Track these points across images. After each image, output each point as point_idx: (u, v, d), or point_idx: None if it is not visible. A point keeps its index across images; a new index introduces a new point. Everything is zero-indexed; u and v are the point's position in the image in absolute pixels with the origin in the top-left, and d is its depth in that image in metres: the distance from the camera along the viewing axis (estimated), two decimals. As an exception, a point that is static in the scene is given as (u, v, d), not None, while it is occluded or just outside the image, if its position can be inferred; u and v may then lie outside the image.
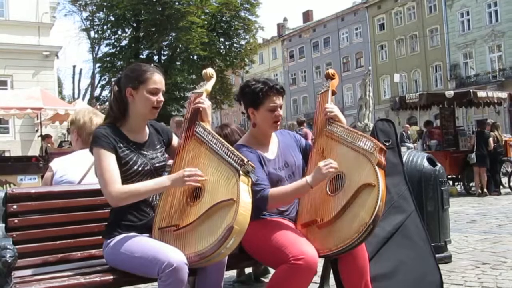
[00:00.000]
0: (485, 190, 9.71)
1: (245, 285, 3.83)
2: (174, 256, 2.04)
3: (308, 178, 2.41)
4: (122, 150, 2.28)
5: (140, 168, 2.30)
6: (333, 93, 2.80)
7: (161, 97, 2.35)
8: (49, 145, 13.14)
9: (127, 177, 2.26)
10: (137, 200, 2.24)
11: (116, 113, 2.35)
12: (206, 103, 2.47)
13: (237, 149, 2.51)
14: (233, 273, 3.95)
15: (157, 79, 2.34)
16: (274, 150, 2.65)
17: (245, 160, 2.18)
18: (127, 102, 2.34)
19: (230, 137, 3.54)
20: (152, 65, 2.42)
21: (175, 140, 2.56)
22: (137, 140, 2.37)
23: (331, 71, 2.90)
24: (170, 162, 2.55)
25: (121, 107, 2.35)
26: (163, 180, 2.23)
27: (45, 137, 13.33)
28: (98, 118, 2.94)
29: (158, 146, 2.45)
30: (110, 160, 2.21)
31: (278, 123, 2.59)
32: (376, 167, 2.34)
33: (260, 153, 2.57)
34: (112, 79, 29.82)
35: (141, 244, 2.17)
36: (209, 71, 2.62)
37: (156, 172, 2.36)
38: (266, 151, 2.62)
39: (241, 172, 2.16)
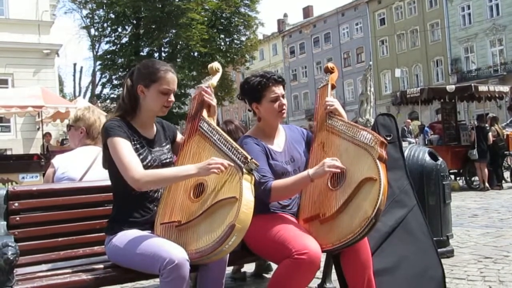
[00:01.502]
0: (487, 184, 9.70)
1: (240, 282, 3.80)
2: (176, 253, 2.03)
3: (310, 171, 2.40)
4: (134, 143, 2.28)
5: (149, 164, 2.29)
6: (333, 87, 2.79)
7: (172, 97, 2.34)
8: (50, 143, 13.16)
9: None
10: (160, 186, 2.25)
11: (127, 106, 2.34)
12: (212, 98, 2.47)
13: (243, 141, 2.53)
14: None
15: (170, 79, 2.32)
16: (281, 144, 2.65)
17: (249, 157, 2.17)
18: (138, 97, 2.33)
19: (234, 134, 3.54)
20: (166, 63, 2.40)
21: (179, 137, 2.56)
22: (146, 136, 2.37)
23: (330, 64, 2.89)
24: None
25: (133, 101, 2.34)
26: (189, 167, 2.20)
27: (45, 135, 13.35)
28: (104, 118, 3.02)
29: (165, 143, 2.45)
30: (128, 146, 2.21)
31: (283, 111, 2.59)
32: (377, 161, 2.34)
33: (267, 145, 2.57)
34: (113, 77, 29.88)
35: (143, 240, 2.16)
36: (215, 65, 2.61)
37: (164, 168, 2.35)
38: (273, 144, 2.62)
39: (244, 170, 2.14)
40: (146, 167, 2.27)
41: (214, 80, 2.56)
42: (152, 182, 2.17)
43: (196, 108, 2.47)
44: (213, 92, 2.53)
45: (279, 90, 2.56)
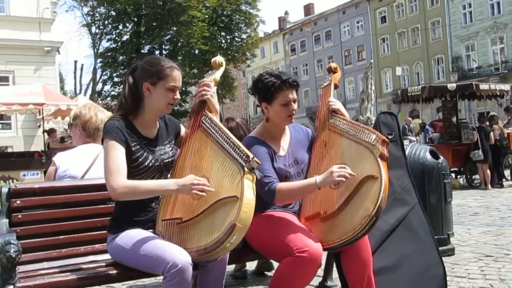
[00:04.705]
0: (489, 186, 9.65)
1: (241, 280, 3.80)
2: (180, 256, 2.02)
3: (318, 178, 2.34)
4: (134, 145, 2.25)
5: (150, 164, 2.27)
6: (336, 86, 2.80)
7: (177, 95, 2.31)
8: (53, 139, 13.15)
9: (137, 173, 2.24)
10: (137, 197, 2.19)
11: (130, 106, 2.29)
12: (209, 93, 2.41)
13: (248, 142, 2.50)
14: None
15: (176, 77, 2.28)
16: (285, 147, 2.62)
17: (251, 156, 2.14)
18: (143, 96, 2.29)
19: (235, 132, 3.52)
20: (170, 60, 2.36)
21: (183, 131, 2.50)
22: (148, 135, 2.33)
23: (333, 65, 2.88)
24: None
25: (136, 100, 2.29)
26: (169, 184, 2.18)
27: (50, 132, 13.32)
28: (101, 114, 2.99)
29: (167, 141, 2.41)
30: (118, 151, 2.16)
31: (292, 117, 2.56)
32: (379, 159, 2.33)
33: (272, 148, 2.55)
34: (114, 74, 29.89)
35: (146, 241, 2.15)
36: (219, 59, 2.56)
37: (166, 168, 2.34)
38: (278, 146, 2.59)
39: (246, 168, 2.12)
40: (147, 167, 2.26)
41: (218, 74, 2.51)
42: (129, 193, 2.13)
43: (197, 104, 2.43)
44: (215, 87, 2.48)
45: (292, 94, 2.50)
